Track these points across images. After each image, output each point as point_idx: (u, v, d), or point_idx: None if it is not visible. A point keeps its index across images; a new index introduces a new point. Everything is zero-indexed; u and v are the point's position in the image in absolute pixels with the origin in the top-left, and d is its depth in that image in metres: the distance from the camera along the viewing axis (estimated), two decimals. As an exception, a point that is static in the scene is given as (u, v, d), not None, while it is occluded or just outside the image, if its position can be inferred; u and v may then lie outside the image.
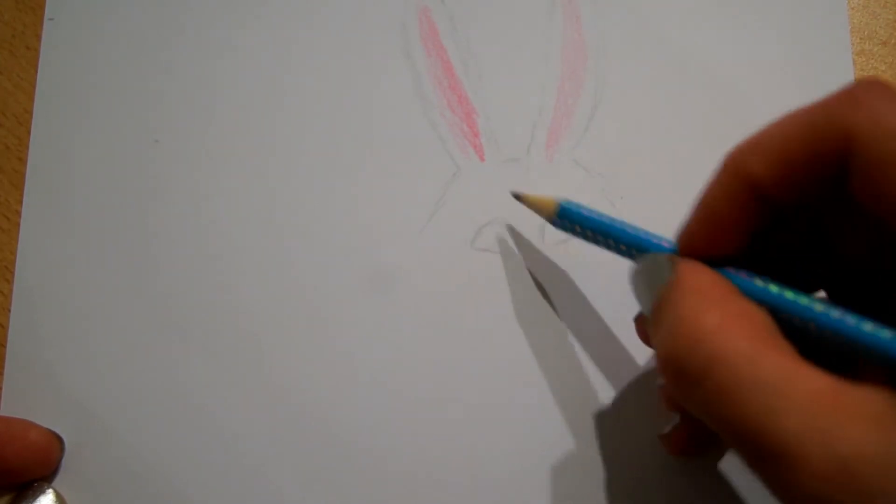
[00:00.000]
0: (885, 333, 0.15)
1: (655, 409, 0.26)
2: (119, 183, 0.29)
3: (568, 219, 0.25)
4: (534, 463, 0.26)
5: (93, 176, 0.29)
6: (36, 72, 0.30)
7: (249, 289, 0.28)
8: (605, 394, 0.27)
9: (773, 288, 0.18)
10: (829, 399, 0.14)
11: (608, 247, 0.24)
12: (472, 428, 0.26)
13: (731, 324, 0.16)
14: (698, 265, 0.19)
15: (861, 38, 0.30)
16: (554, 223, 0.26)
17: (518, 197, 0.27)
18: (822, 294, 0.22)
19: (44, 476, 0.26)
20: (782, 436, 0.14)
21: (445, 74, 0.30)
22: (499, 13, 0.30)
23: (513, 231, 0.28)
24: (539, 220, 0.28)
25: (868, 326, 0.16)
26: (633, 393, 0.26)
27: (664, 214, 0.23)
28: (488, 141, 0.29)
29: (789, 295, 0.17)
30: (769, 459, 0.15)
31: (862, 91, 0.17)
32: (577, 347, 0.27)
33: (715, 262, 0.19)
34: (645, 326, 0.24)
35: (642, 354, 0.27)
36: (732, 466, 0.26)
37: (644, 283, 0.20)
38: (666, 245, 0.22)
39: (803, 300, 0.17)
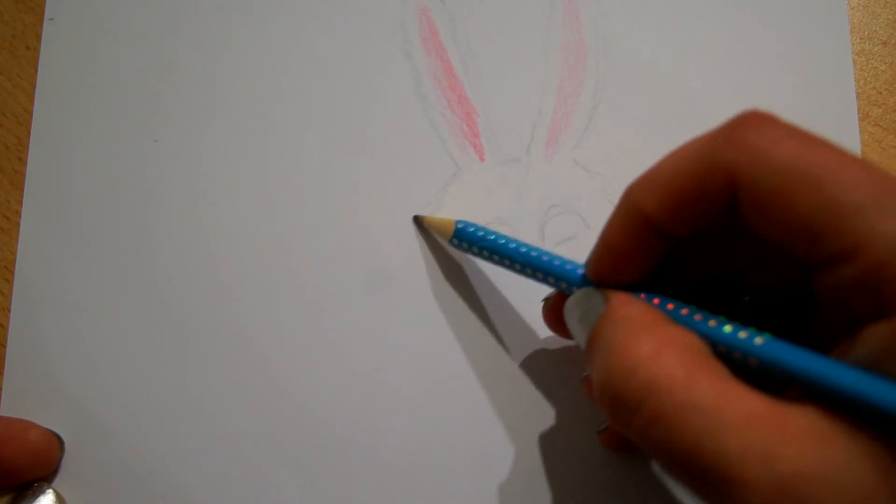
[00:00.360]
0: (806, 360, 0.16)
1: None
2: (119, 183, 0.29)
3: (464, 240, 0.25)
4: (537, 462, 0.26)
5: (93, 176, 0.29)
6: (36, 72, 0.30)
7: (249, 288, 0.28)
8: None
9: (699, 316, 0.18)
10: (765, 419, 0.15)
11: (511, 268, 0.24)
12: (472, 427, 0.26)
13: (665, 350, 0.16)
14: (629, 296, 0.19)
15: (861, 38, 0.30)
16: (452, 244, 0.26)
17: (418, 219, 0.28)
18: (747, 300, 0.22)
19: (44, 476, 0.26)
20: (721, 458, 0.14)
21: (445, 74, 0.30)
22: (499, 13, 0.30)
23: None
24: (538, 221, 0.28)
25: (791, 354, 0.16)
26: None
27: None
28: (488, 141, 0.29)
29: (712, 323, 0.18)
30: (710, 483, 0.15)
31: (742, 127, 0.17)
32: (578, 345, 0.27)
33: (624, 289, 0.20)
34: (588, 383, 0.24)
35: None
36: None
37: (577, 318, 0.20)
38: (567, 266, 0.22)
39: (727, 328, 0.17)
